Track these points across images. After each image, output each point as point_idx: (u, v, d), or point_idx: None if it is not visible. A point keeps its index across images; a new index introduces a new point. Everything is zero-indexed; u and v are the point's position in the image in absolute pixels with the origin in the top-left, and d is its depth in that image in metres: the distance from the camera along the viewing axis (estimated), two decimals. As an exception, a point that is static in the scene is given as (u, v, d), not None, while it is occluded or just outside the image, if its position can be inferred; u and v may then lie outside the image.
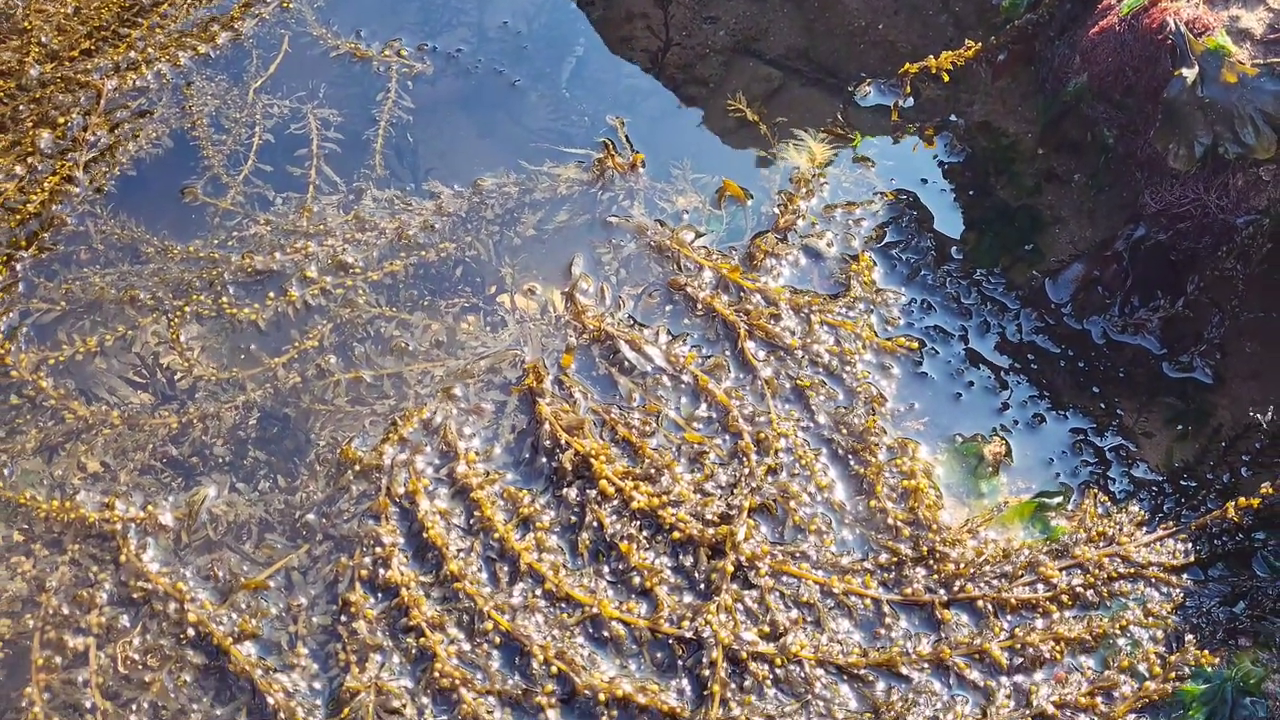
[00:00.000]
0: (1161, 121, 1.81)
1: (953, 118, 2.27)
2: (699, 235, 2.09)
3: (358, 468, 1.80)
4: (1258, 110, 1.73)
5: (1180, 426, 1.86)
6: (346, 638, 1.65)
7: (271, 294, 2.02)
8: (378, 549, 1.72)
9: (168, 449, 1.87)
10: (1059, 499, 1.78)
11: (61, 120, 2.22)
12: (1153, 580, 1.69)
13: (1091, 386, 1.91)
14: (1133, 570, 1.69)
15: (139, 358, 1.97)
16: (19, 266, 2.05)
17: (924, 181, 2.17)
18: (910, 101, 2.29)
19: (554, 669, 1.61)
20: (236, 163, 2.20)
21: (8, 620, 1.69)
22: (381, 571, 1.70)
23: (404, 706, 1.59)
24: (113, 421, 1.89)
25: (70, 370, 1.96)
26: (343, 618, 1.67)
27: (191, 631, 1.66)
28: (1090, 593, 1.67)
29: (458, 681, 1.60)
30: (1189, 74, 1.78)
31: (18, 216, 2.10)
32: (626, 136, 2.24)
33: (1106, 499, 1.78)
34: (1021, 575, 1.69)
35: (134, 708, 1.61)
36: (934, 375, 1.92)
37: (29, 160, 2.17)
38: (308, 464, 1.84)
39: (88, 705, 1.62)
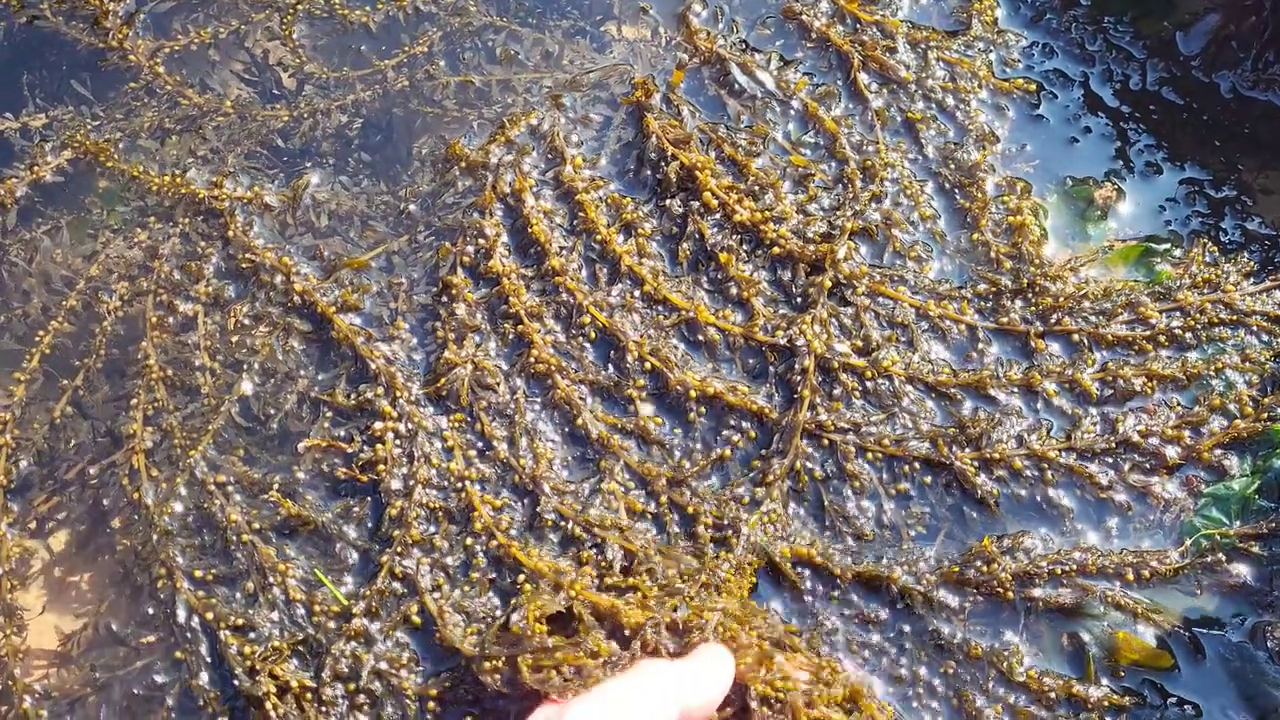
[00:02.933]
0: None
1: None
2: (818, -34, 2.03)
3: (464, 164, 1.82)
4: None
5: (1303, 186, 1.81)
6: (445, 317, 1.69)
7: (382, -2, 2.01)
8: (480, 240, 1.74)
9: (275, 140, 1.90)
10: (1167, 245, 1.75)
11: None
12: (1254, 328, 1.66)
13: (1214, 140, 1.85)
14: (1235, 317, 1.67)
15: (249, 53, 1.99)
16: (134, -46, 2.06)
17: (1057, -72, 2.08)
18: None
19: (648, 365, 1.64)
20: None
21: (126, 283, 1.76)
22: (483, 261, 1.73)
23: (497, 384, 1.64)
24: (225, 110, 1.92)
25: (184, 60, 1.98)
26: (443, 299, 1.71)
27: (298, 300, 1.72)
28: (1189, 335, 1.66)
29: (553, 368, 1.64)
30: None
31: (132, -95, 2.09)
32: None
33: (1215, 249, 1.74)
34: (1120, 314, 1.67)
35: (245, 368, 1.68)
36: (1050, 119, 1.88)
37: None
38: (413, 159, 1.86)
39: (197, 364, 1.69)
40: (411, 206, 1.81)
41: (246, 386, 1.67)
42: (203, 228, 1.80)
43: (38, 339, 1.72)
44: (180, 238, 1.80)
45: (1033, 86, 1.89)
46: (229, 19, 2.00)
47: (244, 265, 1.76)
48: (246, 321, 1.71)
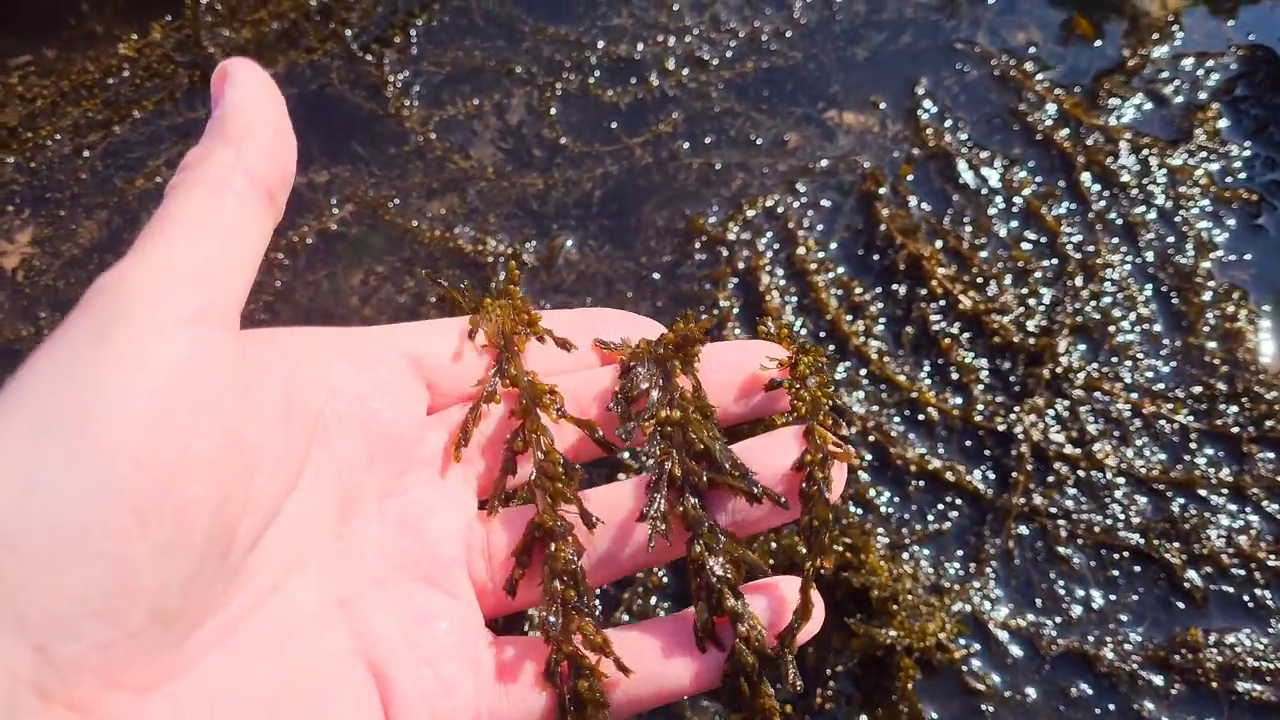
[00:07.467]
0: None
1: (1320, -18, 2.22)
2: (1043, 69, 2.14)
3: (704, 238, 1.98)
4: None
5: None
6: (686, 383, 1.85)
7: (633, 80, 2.19)
8: (715, 310, 1.90)
9: (530, 203, 2.09)
10: (1384, 360, 1.81)
11: (453, -97, 2.43)
12: None
13: None
14: None
15: (507, 124, 2.20)
16: (413, 34, 2.29)
17: (1282, 42, 2.16)
18: (1277, -39, 2.25)
19: (871, 438, 1.77)
20: (605, -42, 2.36)
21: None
22: (716, 332, 1.88)
23: (734, 447, 1.78)
24: (487, 175, 2.12)
25: (451, 128, 2.20)
26: (684, 366, 1.87)
27: (555, 356, 1.90)
28: (1404, 451, 1.71)
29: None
30: None
31: (412, -13, 2.34)
32: (978, -31, 2.29)
33: None
34: (1335, 425, 1.73)
35: (501, 412, 1.86)
36: (1269, 229, 1.95)
37: (422, -62, 2.39)
38: (649, 229, 2.03)
39: (461, 406, 1.88)
40: (654, 275, 1.97)
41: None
42: (466, 279, 2.00)
43: (317, 372, 1.93)
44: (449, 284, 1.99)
45: (1254, 197, 1.96)
46: (492, 93, 2.21)
47: (501, 319, 1.94)
48: (504, 371, 1.90)
